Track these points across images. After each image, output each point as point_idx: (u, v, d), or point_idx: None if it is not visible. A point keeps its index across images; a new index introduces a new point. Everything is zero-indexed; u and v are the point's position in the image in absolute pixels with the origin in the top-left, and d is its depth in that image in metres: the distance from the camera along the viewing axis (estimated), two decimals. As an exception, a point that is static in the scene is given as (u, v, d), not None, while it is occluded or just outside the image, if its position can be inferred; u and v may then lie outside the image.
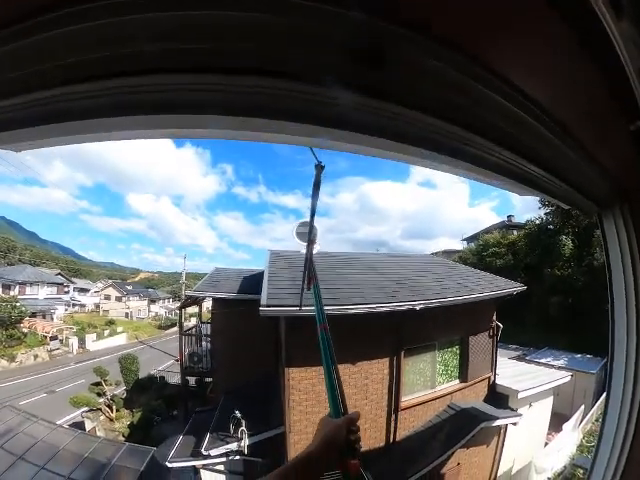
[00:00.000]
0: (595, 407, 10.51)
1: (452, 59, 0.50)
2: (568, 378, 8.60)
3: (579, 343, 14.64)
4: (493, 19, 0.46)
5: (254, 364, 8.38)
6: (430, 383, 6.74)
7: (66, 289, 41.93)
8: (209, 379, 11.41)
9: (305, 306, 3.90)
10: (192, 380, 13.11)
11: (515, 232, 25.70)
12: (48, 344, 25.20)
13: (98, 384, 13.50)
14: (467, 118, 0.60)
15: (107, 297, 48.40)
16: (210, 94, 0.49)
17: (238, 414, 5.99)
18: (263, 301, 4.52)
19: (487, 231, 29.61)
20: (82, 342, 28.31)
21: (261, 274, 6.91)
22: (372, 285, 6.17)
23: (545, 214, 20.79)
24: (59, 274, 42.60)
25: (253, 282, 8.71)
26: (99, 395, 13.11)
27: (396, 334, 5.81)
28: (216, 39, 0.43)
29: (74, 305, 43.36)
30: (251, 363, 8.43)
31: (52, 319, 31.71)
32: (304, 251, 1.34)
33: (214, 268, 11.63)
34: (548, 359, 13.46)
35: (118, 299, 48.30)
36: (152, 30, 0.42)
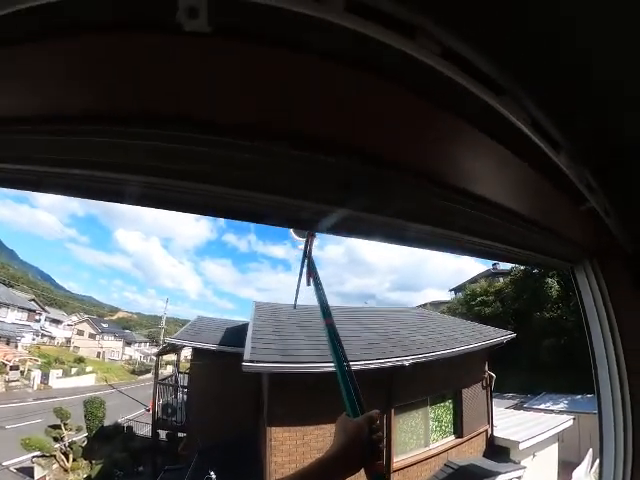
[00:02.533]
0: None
1: (423, 186, 0.66)
2: (571, 422, 8.28)
3: (578, 383, 14.03)
4: (459, 159, 0.64)
5: (233, 422, 7.77)
6: (424, 441, 6.38)
7: (37, 317, 39.12)
8: (182, 434, 10.43)
9: (289, 362, 3.71)
10: (163, 434, 11.85)
11: (501, 279, 26.16)
12: (7, 374, 22.60)
13: (56, 427, 11.84)
14: (448, 223, 0.80)
15: (80, 332, 45.15)
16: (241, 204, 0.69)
17: (213, 476, 5.41)
18: (246, 356, 4.37)
19: (474, 280, 30.20)
20: (45, 377, 25.69)
21: (245, 326, 6.77)
22: (360, 340, 6.08)
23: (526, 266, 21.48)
24: (33, 300, 40.09)
25: (237, 334, 8.47)
26: (56, 440, 11.43)
27: (385, 391, 5.59)
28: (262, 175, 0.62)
29: (43, 336, 40.06)
30: (230, 420, 7.81)
31: (16, 347, 28.99)
32: (302, 246, 1.28)
33: (197, 316, 11.37)
34: (547, 404, 12.93)
35: (92, 336, 45.05)
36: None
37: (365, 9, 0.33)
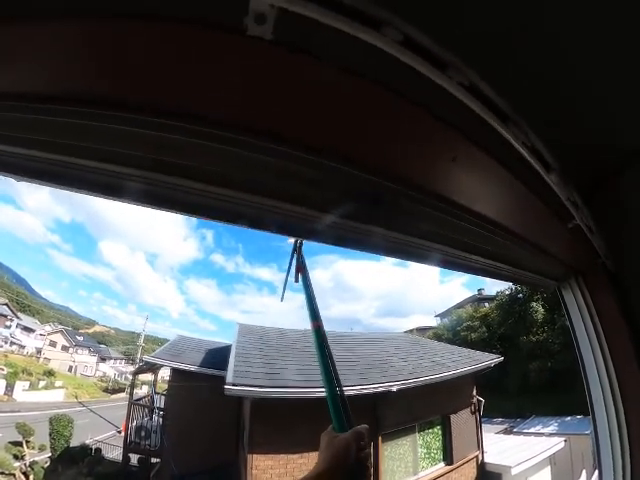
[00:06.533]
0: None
1: (429, 203, 0.70)
2: (562, 444, 8.28)
3: (567, 405, 13.90)
4: (463, 179, 0.68)
5: (212, 448, 7.36)
6: (412, 469, 6.17)
7: (8, 323, 37.07)
8: (156, 459, 9.75)
9: (273, 387, 3.56)
10: (135, 458, 11.02)
11: (487, 304, 26.38)
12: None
13: (18, 444, 10.98)
14: (443, 238, 0.83)
15: (53, 344, 42.63)
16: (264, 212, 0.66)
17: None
18: (229, 379, 4.21)
19: (459, 306, 30.41)
20: (10, 388, 24.02)
21: (227, 348, 6.61)
22: (345, 366, 5.94)
23: (514, 284, 21.91)
24: (6, 304, 38.09)
25: (218, 356, 8.28)
26: (16, 458, 10.54)
27: (372, 418, 5.41)
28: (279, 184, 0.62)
29: (12, 344, 37.64)
30: (208, 446, 7.39)
31: (-20, 353, 27.35)
32: (291, 240, 1.20)
33: (177, 335, 11.02)
34: (537, 427, 12.70)
35: (65, 349, 42.59)
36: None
37: (420, 49, 0.38)
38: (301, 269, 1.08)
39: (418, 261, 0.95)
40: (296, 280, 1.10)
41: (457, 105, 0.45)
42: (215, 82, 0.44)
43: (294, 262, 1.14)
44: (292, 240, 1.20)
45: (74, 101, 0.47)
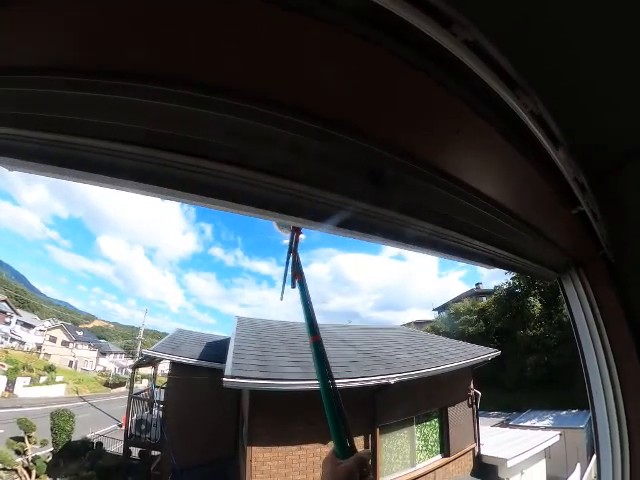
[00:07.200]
0: (592, 463, 9.57)
1: (432, 178, 0.66)
2: (557, 437, 8.39)
3: (562, 399, 14.16)
4: (466, 153, 0.65)
5: (211, 440, 7.43)
6: (410, 461, 6.23)
7: (8, 319, 37.22)
8: (156, 453, 9.86)
9: (271, 379, 3.57)
10: (136, 451, 11.15)
11: (484, 299, 26.51)
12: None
13: (20, 439, 11.00)
14: (443, 219, 0.79)
15: (53, 339, 42.81)
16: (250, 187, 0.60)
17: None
18: (227, 371, 4.20)
19: (457, 300, 30.42)
20: (11, 384, 24.24)
21: (226, 341, 6.65)
22: (344, 359, 5.96)
23: (512, 279, 21.95)
24: (5, 301, 38.16)
25: (217, 349, 8.33)
26: (18, 453, 10.60)
27: (370, 410, 5.45)
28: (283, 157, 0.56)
29: (12, 340, 37.85)
30: (208, 439, 7.46)
31: (-19, 350, 27.47)
32: (287, 241, 1.17)
33: (177, 329, 11.02)
34: (533, 421, 12.93)
35: (65, 344, 42.81)
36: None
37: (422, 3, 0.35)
38: (299, 275, 1.02)
39: (420, 248, 0.88)
40: (293, 286, 1.04)
41: (462, 69, 0.42)
42: (211, 46, 0.42)
43: (291, 262, 1.09)
44: (288, 236, 1.15)
45: (68, 72, 0.45)
